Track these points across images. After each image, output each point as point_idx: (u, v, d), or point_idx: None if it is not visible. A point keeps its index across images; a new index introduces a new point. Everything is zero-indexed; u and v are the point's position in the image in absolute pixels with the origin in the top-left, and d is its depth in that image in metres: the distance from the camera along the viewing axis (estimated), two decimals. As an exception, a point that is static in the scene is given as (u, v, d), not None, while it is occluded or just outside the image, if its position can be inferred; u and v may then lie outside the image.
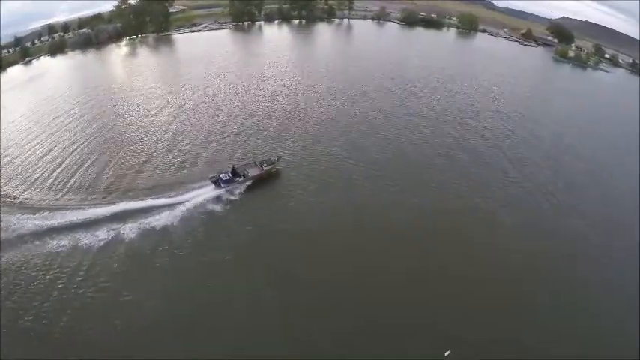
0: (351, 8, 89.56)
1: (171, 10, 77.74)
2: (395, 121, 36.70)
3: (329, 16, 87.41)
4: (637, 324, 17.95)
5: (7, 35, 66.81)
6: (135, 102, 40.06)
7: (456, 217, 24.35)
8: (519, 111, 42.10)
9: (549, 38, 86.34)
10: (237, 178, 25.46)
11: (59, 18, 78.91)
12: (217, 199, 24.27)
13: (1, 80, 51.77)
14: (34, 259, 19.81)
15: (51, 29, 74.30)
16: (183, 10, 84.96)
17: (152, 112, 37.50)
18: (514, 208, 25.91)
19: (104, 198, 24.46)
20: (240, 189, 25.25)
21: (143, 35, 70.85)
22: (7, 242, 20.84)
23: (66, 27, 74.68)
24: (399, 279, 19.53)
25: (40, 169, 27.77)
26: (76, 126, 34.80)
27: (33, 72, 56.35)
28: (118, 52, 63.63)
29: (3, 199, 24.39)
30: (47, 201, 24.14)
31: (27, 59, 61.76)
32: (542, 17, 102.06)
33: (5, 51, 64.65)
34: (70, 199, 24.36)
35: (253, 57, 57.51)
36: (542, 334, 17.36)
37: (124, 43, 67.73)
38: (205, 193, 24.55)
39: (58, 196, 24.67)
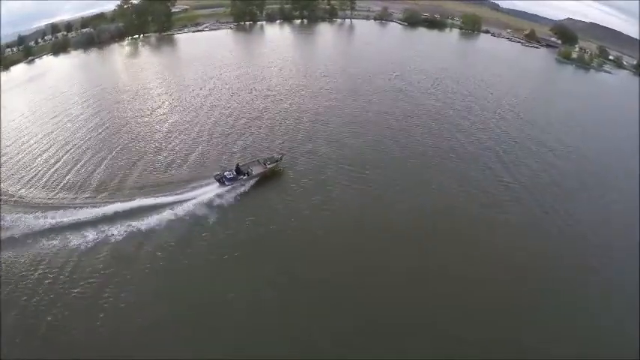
0: (353, 8, 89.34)
1: (173, 10, 78.30)
2: (395, 121, 36.53)
3: (331, 16, 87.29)
4: (637, 324, 17.83)
5: (11, 34, 67.58)
6: (136, 101, 40.22)
7: (456, 217, 24.25)
8: (519, 112, 41.74)
9: (553, 39, 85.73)
10: (242, 176, 25.64)
11: (63, 17, 79.63)
12: (221, 197, 24.30)
13: (5, 79, 52.45)
14: (39, 257, 19.90)
15: (54, 28, 74.95)
16: (185, 10, 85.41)
17: (155, 111, 37.65)
18: (514, 208, 25.71)
19: (107, 197, 24.45)
20: (244, 187, 25.36)
21: (145, 35, 71.16)
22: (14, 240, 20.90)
23: (69, 26, 75.20)
24: (399, 279, 19.48)
25: (44, 168, 27.97)
26: (73, 126, 35.00)
27: (35, 71, 56.83)
28: (120, 51, 63.98)
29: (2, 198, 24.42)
30: (53, 199, 24.27)
31: (30, 58, 62.36)
32: (546, 18, 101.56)
33: (9, 49, 65.26)
34: (74, 198, 24.45)
35: (254, 57, 57.62)
36: (542, 334, 17.25)
37: (125, 42, 68.08)
38: (210, 191, 24.60)
39: (61, 195, 24.78)
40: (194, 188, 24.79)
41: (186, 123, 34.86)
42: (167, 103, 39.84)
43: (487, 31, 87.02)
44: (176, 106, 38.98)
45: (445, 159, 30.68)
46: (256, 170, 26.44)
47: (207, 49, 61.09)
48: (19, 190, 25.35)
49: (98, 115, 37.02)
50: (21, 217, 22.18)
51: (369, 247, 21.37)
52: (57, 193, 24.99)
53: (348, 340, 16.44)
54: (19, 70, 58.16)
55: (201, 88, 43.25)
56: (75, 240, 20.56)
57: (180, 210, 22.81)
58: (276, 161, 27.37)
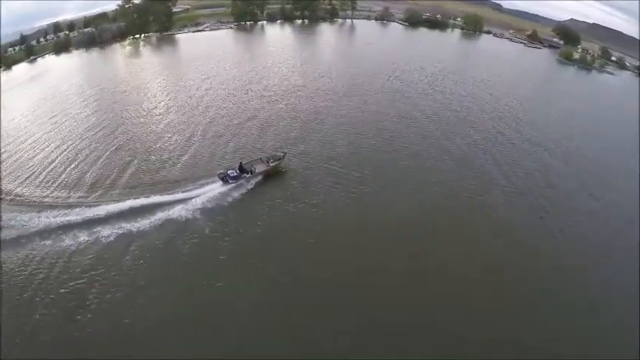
0: (354, 8, 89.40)
1: (175, 10, 78.45)
2: (391, 122, 36.35)
3: (332, 16, 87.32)
4: (637, 324, 17.72)
5: (14, 33, 67.96)
6: (134, 101, 40.26)
7: (457, 218, 24.13)
8: (517, 113, 41.45)
9: (555, 40, 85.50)
10: (245, 175, 25.68)
11: (66, 16, 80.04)
12: (224, 196, 24.31)
13: (7, 78, 52.72)
14: (41, 256, 19.87)
15: (56, 28, 75.37)
16: (187, 10, 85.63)
17: (152, 111, 37.66)
18: (513, 208, 25.58)
19: (110, 195, 24.36)
20: (247, 185, 25.40)
21: (146, 34, 71.32)
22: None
23: (71, 25, 75.64)
24: (401, 278, 19.42)
25: (40, 168, 27.83)
26: (70, 125, 34.97)
27: (36, 70, 56.98)
28: (121, 51, 64.08)
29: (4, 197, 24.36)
30: (54, 199, 24.14)
31: (31, 57, 62.55)
32: (549, 19, 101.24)
33: (11, 49, 65.62)
34: (78, 197, 24.36)
35: (254, 57, 57.53)
36: (542, 334, 17.15)
37: (127, 42, 68.20)
38: (213, 189, 24.60)
39: (66, 194, 24.65)
40: (197, 187, 24.75)
41: (182, 123, 34.77)
42: (164, 103, 39.73)
43: (489, 32, 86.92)
44: (172, 106, 38.90)
45: (439, 161, 30.35)
46: (259, 168, 26.55)
47: (207, 49, 61.05)
48: (16, 188, 25.32)
49: (95, 114, 37.03)
50: (17, 216, 22.11)
51: (370, 247, 21.28)
52: (59, 192, 24.98)
53: (350, 339, 16.38)
54: (20, 69, 58.35)
55: (197, 88, 43.16)
56: (69, 240, 20.51)
57: (184, 208, 22.76)
58: (279, 159, 27.45)
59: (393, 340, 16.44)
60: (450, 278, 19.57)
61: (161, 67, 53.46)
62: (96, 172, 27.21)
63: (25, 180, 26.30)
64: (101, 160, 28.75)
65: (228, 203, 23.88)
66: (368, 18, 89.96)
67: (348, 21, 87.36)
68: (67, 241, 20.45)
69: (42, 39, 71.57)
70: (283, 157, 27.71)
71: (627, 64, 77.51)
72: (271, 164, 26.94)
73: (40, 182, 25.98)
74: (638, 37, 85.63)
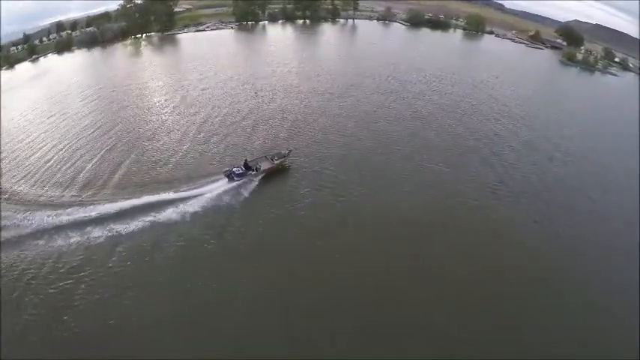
0: (356, 9, 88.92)
1: (177, 10, 78.67)
2: (388, 124, 36.35)
3: (333, 16, 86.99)
4: (637, 324, 17.76)
5: (17, 31, 68.60)
6: (133, 101, 40.54)
7: (456, 218, 24.19)
8: (516, 114, 41.24)
9: (558, 41, 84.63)
10: (250, 172, 26.02)
11: (70, 15, 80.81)
12: (228, 193, 24.60)
13: (9, 77, 53.33)
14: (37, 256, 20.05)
15: (59, 27, 75.87)
16: (189, 10, 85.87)
17: (150, 111, 37.92)
18: (514, 208, 25.68)
19: (115, 194, 24.56)
20: (252, 182, 25.75)
21: (148, 34, 71.64)
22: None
23: (74, 25, 76.09)
24: (399, 279, 19.57)
25: (37, 167, 28.13)
26: (68, 124, 35.21)
27: (38, 69, 57.65)
28: (122, 51, 64.48)
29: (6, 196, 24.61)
30: (56, 197, 24.37)
31: (34, 56, 63.05)
32: (553, 20, 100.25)
33: (14, 48, 66.22)
34: (85, 195, 24.56)
35: (253, 57, 57.69)
36: (542, 334, 17.26)
37: (128, 41, 68.60)
38: (218, 187, 24.91)
39: (68, 193, 24.88)
40: (202, 185, 25.03)
41: (182, 122, 35.06)
42: (162, 103, 40.07)
43: (491, 32, 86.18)
44: (172, 105, 39.21)
45: (435, 163, 30.27)
46: (264, 166, 26.85)
47: (207, 49, 61.30)
48: (11, 188, 25.64)
49: (93, 114, 37.34)
50: (10, 216, 22.39)
51: (369, 247, 21.40)
52: (53, 191, 25.17)
53: (348, 340, 16.48)
54: (23, 68, 58.92)
55: (195, 88, 43.44)
56: (70, 239, 20.72)
57: (188, 206, 23.04)
58: (284, 157, 27.78)
59: (393, 341, 16.55)
60: (449, 278, 19.68)
61: (161, 67, 53.70)
62: (95, 171, 27.47)
63: (21, 179, 26.62)
64: (100, 159, 29.02)
65: (231, 202, 24.08)
66: (370, 18, 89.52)
67: (350, 21, 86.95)
68: (75, 238, 20.68)
69: (45, 38, 72.24)
70: (288, 154, 28.00)
71: (631, 65, 76.63)
72: (276, 161, 27.29)
73: (36, 182, 26.23)
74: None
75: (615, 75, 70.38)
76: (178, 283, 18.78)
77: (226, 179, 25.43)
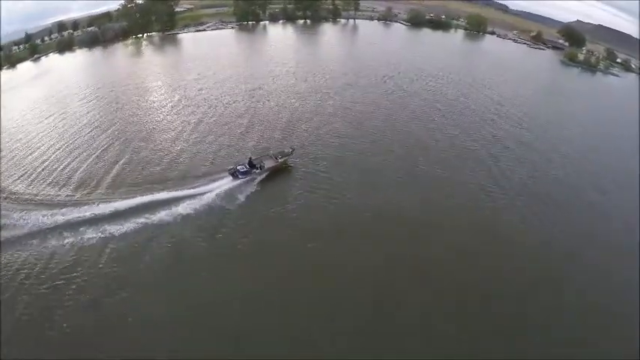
0: (357, 9, 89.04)
1: (178, 9, 78.91)
2: (399, 123, 36.39)
3: (334, 16, 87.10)
4: (637, 324, 17.69)
5: (20, 31, 68.89)
6: (132, 101, 40.62)
7: (457, 218, 24.10)
8: (514, 114, 41.05)
9: (560, 41, 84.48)
10: (254, 170, 26.21)
11: (72, 15, 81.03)
12: (232, 192, 24.60)
13: (10, 76, 53.57)
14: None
15: (61, 26, 76.14)
16: (190, 9, 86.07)
17: (167, 108, 38.18)
18: (514, 208, 25.58)
19: (119, 192, 24.50)
20: (256, 180, 25.89)
21: (149, 34, 71.84)
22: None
23: (75, 24, 76.30)
24: (399, 279, 19.50)
25: (34, 167, 28.09)
26: (67, 124, 35.26)
27: (40, 69, 57.88)
28: (123, 50, 64.68)
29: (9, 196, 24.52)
30: (59, 197, 24.32)
31: (35, 56, 63.30)
32: (555, 20, 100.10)
33: (15, 47, 66.47)
34: (89, 193, 24.57)
35: (252, 57, 57.77)
36: (542, 334, 17.20)
37: (129, 41, 68.79)
38: (223, 185, 25.00)
39: (71, 191, 24.87)
40: (207, 183, 25.11)
41: (181, 122, 35.12)
42: (165, 102, 40.14)
43: (493, 33, 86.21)
44: (172, 104, 39.27)
45: (447, 160, 30.37)
46: (268, 164, 27.07)
47: (207, 49, 61.44)
48: (8, 187, 25.63)
49: (90, 114, 37.39)
50: (7, 215, 22.32)
51: (370, 247, 21.34)
52: (63, 190, 25.22)
53: (348, 340, 16.43)
54: (24, 67, 59.12)
55: (192, 88, 43.46)
56: (69, 238, 20.63)
57: (193, 204, 23.06)
58: (287, 155, 27.94)
59: (392, 341, 16.50)
60: (448, 279, 19.62)
61: (161, 67, 53.83)
62: (90, 170, 27.46)
63: (18, 179, 26.61)
64: (97, 158, 29.02)
65: (235, 200, 24.10)
66: (371, 18, 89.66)
67: (351, 21, 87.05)
68: (91, 234, 20.70)
69: (46, 38, 72.46)
70: (291, 152, 28.13)
71: (633, 66, 76.38)
72: (279, 160, 27.47)
73: (32, 181, 26.21)
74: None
75: (617, 76, 70.21)
76: (177, 283, 18.69)
77: (230, 177, 25.68)
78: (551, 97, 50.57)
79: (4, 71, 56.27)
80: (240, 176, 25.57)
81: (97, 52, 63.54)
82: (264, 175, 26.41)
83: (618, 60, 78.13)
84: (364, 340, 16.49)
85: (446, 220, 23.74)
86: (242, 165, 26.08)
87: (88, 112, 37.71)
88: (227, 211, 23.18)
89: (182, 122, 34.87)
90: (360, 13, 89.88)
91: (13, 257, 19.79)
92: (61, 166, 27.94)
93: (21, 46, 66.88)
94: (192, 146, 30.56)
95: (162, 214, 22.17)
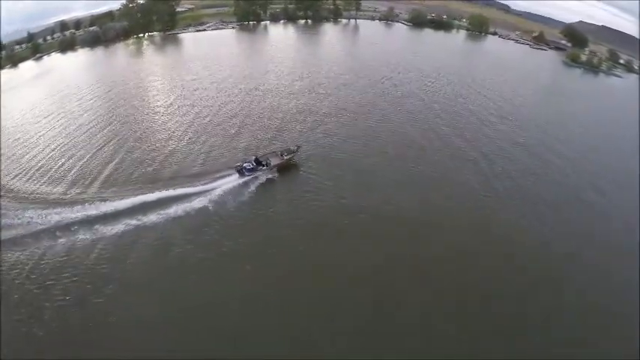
0: (358, 9, 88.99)
1: (179, 9, 79.02)
2: (399, 124, 36.38)
3: (335, 16, 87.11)
4: (637, 324, 17.67)
5: (22, 30, 69.20)
6: (131, 100, 40.82)
7: (457, 218, 24.10)
8: (513, 115, 40.92)
9: (563, 42, 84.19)
10: (261, 167, 26.52)
11: (74, 14, 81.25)
12: (236, 190, 24.91)
13: (12, 75, 53.82)
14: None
15: (63, 26, 76.40)
16: (191, 9, 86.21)
17: (168, 107, 38.38)
18: (513, 208, 25.56)
19: (124, 190, 24.67)
20: (262, 177, 26.19)
21: (150, 34, 72.00)
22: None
23: (77, 24, 76.64)
24: (400, 279, 19.49)
25: (35, 165, 28.28)
26: (66, 124, 35.45)
27: (41, 68, 58.09)
28: (124, 50, 64.89)
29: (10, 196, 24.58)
30: (52, 196, 24.38)
31: (37, 55, 63.56)
32: (558, 21, 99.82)
33: (18, 46, 66.74)
34: (92, 192, 24.74)
35: (251, 57, 57.81)
36: (542, 334, 17.20)
37: (130, 41, 68.98)
38: (229, 182, 25.35)
39: (82, 190, 25.09)
40: (215, 180, 25.44)
41: (182, 122, 35.23)
42: (160, 102, 40.30)
43: (495, 33, 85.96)
44: (171, 104, 39.42)
45: (447, 161, 30.31)
46: (274, 161, 27.41)
47: (207, 49, 61.61)
48: (5, 185, 25.75)
49: (89, 114, 37.52)
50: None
51: (370, 247, 21.37)
52: (64, 188, 25.40)
53: (348, 340, 16.44)
54: (26, 67, 59.38)
55: (190, 88, 43.62)
56: (65, 238, 20.66)
57: (196, 202, 23.26)
58: (293, 153, 28.18)
59: (392, 341, 16.51)
60: (448, 279, 19.65)
61: (162, 66, 53.95)
62: (87, 169, 27.65)
63: (14, 178, 26.72)
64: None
65: (241, 197, 24.35)
66: (372, 18, 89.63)
67: (352, 21, 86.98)
68: (82, 235, 20.77)
69: (49, 37, 72.68)
70: (297, 150, 28.38)
71: (635, 67, 76.04)
72: (285, 157, 27.69)
73: (28, 180, 26.36)
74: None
75: (619, 77, 69.95)
76: (177, 283, 18.71)
77: (237, 174, 25.96)
78: (552, 98, 50.45)
79: (6, 70, 56.50)
80: (246, 173, 25.94)
81: (99, 51, 63.81)
82: (269, 173, 26.62)
83: (621, 61, 77.86)
84: (364, 340, 16.50)
85: (446, 220, 23.72)
86: (248, 162, 26.49)
87: (88, 111, 37.90)
88: (229, 211, 23.24)
89: (177, 122, 34.92)
90: (361, 13, 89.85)
91: (7, 256, 19.86)
92: (57, 165, 28.07)
93: (23, 46, 67.17)
94: (185, 146, 30.72)
95: (173, 209, 22.52)
